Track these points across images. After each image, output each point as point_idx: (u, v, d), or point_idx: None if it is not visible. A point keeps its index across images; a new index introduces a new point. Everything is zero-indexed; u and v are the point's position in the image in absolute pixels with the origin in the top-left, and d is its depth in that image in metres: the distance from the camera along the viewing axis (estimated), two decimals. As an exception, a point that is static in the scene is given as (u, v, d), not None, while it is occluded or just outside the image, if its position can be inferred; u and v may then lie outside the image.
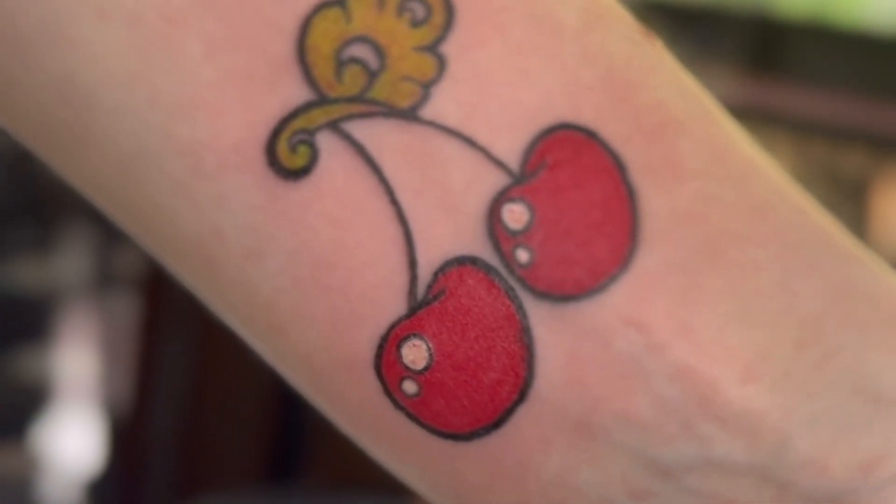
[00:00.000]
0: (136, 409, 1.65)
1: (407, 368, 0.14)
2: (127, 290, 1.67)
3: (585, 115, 0.14)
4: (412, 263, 0.14)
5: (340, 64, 0.14)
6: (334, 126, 0.14)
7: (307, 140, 0.14)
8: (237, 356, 1.34)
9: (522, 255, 0.14)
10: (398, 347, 0.14)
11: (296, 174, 0.14)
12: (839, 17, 1.40)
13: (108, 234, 1.56)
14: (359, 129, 0.14)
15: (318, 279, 0.14)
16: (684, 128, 0.14)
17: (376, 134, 0.14)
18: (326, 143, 0.14)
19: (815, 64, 1.48)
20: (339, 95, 0.14)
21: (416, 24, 0.14)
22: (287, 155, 0.14)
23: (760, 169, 0.15)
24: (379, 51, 0.14)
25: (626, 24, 0.15)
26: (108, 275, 1.57)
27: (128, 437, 1.67)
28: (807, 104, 1.49)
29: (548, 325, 0.14)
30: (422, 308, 0.14)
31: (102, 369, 1.63)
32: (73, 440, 1.78)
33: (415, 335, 0.14)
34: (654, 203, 0.14)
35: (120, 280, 1.63)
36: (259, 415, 1.63)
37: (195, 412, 1.64)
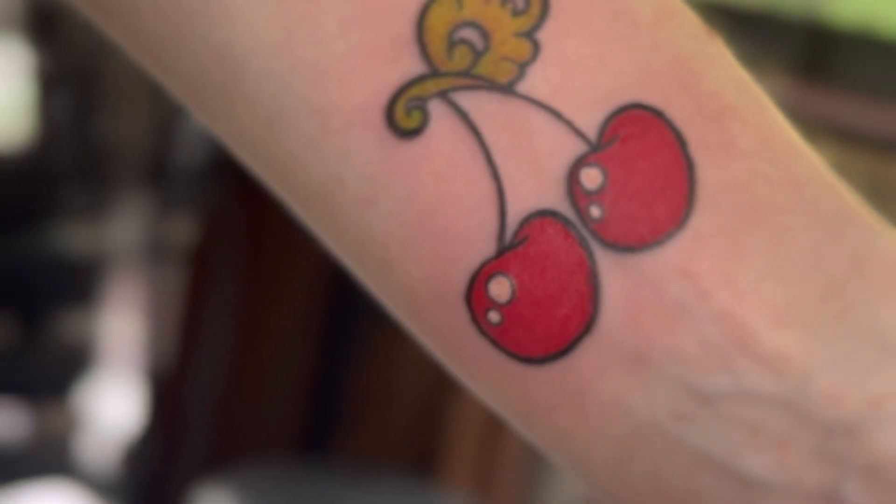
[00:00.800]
0: (177, 374, 1.68)
1: (492, 301, 0.17)
2: (175, 259, 1.70)
3: (654, 97, 0.17)
4: (502, 213, 0.17)
5: (451, 44, 0.17)
6: (444, 95, 0.17)
7: (420, 106, 0.17)
8: (278, 328, 1.39)
9: (595, 211, 0.16)
10: (486, 283, 0.17)
11: (409, 134, 0.17)
12: (890, 27, 1.40)
13: (161, 205, 1.59)
14: (464, 99, 0.17)
15: (423, 223, 0.17)
16: (737, 113, 0.17)
17: (478, 104, 0.17)
18: (436, 109, 0.17)
19: (865, 73, 1.49)
20: (449, 70, 0.17)
21: (516, 13, 0.17)
22: (403, 117, 0.17)
23: (800, 151, 0.17)
24: (484, 34, 0.17)
25: (693, 23, 0.18)
26: (158, 243, 1.60)
27: (168, 401, 1.70)
28: (855, 113, 1.50)
29: (613, 272, 0.16)
30: (508, 251, 0.17)
31: (147, 334, 1.66)
32: (115, 402, 1.82)
33: (501, 273, 0.17)
34: (709, 174, 0.16)
35: (168, 249, 1.66)
36: (296, 387, 1.66)
37: (234, 381, 1.66)
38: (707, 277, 0.16)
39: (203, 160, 1.51)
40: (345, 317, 1.65)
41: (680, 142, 0.17)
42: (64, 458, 1.81)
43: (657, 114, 0.17)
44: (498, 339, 0.17)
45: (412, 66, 0.17)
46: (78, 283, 1.78)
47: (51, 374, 1.81)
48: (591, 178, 0.16)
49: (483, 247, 0.17)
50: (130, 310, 1.80)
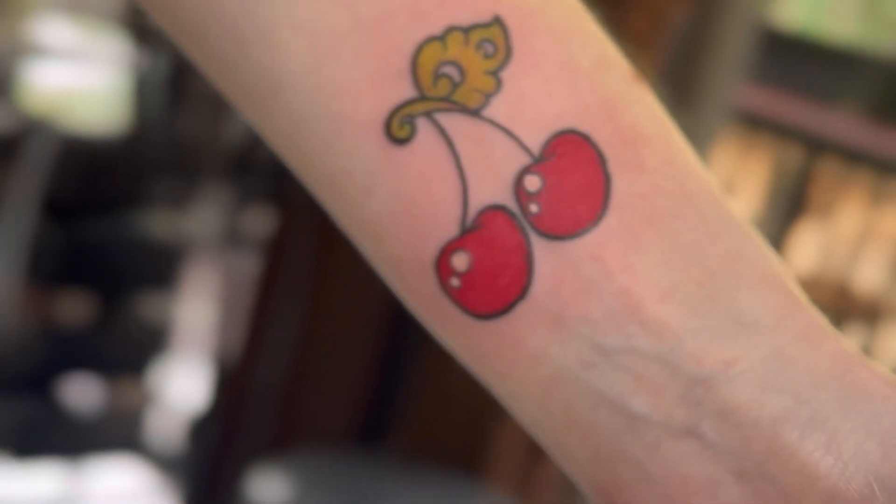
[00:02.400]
0: (243, 360, 1.74)
1: (454, 270, 0.22)
2: (249, 249, 1.77)
3: (585, 125, 0.22)
4: (465, 205, 0.22)
5: (436, 76, 0.22)
6: (428, 115, 0.22)
7: (410, 121, 0.22)
8: (342, 323, 1.46)
9: (533, 208, 0.22)
10: (450, 256, 0.22)
11: (401, 142, 0.22)
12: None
13: (239, 197, 1.66)
14: (443, 118, 0.22)
15: (407, 209, 0.22)
16: (648, 141, 0.22)
17: (453, 122, 0.22)
18: (422, 124, 0.22)
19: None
20: (433, 96, 0.22)
21: (486, 56, 0.22)
22: (397, 129, 0.22)
23: (695, 171, 0.22)
24: (461, 71, 0.22)
25: (623, 70, 0.23)
26: (235, 233, 1.67)
27: (233, 385, 1.76)
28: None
29: (543, 254, 0.22)
30: (467, 233, 0.22)
31: (218, 320, 1.73)
32: (184, 382, 1.89)
33: (461, 249, 0.22)
34: (621, 186, 0.22)
35: (244, 239, 1.73)
36: (355, 381, 1.71)
37: (297, 370, 1.72)
38: (612, 262, 0.22)
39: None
40: (408, 317, 1.70)
41: (601, 160, 0.22)
42: (133, 434, 1.88)
43: (585, 138, 0.22)
44: (457, 299, 0.22)
45: (406, 91, 0.22)
46: (157, 268, 1.86)
47: (126, 353, 1.89)
48: (532, 182, 0.22)
49: (449, 229, 0.22)
50: (205, 295, 1.87)
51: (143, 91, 1.62)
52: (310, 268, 1.67)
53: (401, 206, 0.22)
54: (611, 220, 0.22)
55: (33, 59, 1.74)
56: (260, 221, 1.76)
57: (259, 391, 1.72)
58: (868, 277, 2.44)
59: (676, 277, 0.22)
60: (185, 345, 1.90)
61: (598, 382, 0.22)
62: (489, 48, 0.22)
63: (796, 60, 2.61)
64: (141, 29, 1.56)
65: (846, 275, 2.48)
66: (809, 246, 2.56)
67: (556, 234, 0.22)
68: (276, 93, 0.23)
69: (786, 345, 0.21)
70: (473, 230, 0.22)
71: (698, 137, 1.57)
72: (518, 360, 0.22)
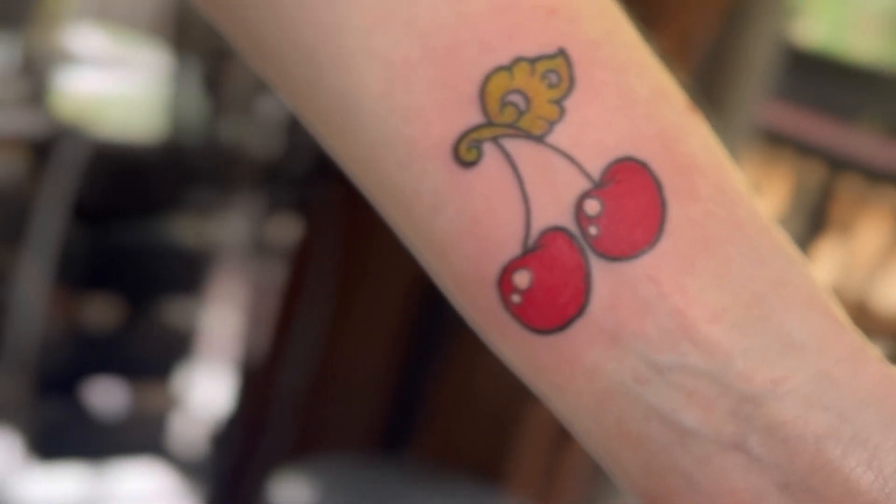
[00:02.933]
0: (267, 366, 1.76)
1: (515, 287, 0.24)
2: (275, 257, 1.79)
3: (643, 154, 0.23)
4: (527, 226, 0.23)
5: (503, 104, 0.24)
6: (495, 140, 0.24)
7: (477, 146, 0.24)
8: (366, 331, 1.47)
9: (593, 230, 0.23)
10: (512, 274, 0.24)
11: (468, 165, 0.24)
12: None
13: (266, 206, 1.68)
14: (508, 144, 0.23)
15: (472, 229, 0.24)
16: (701, 170, 0.23)
17: (518, 148, 0.23)
18: (489, 149, 0.24)
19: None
20: (500, 122, 0.24)
21: (551, 86, 0.24)
22: (465, 152, 0.24)
23: (745, 199, 0.24)
24: (527, 99, 0.24)
25: (679, 100, 0.24)
26: (261, 242, 1.68)
27: (256, 391, 1.78)
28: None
29: (601, 274, 0.23)
30: (529, 252, 0.23)
31: (243, 327, 1.74)
32: (208, 388, 1.91)
33: (523, 268, 0.23)
34: (675, 212, 0.23)
35: (270, 248, 1.74)
36: (377, 388, 1.72)
37: (320, 377, 1.73)
38: (667, 284, 0.23)
39: (308, 166, 1.59)
40: (430, 326, 1.71)
41: (658, 186, 0.23)
42: (157, 437, 1.90)
43: (643, 165, 0.23)
44: (517, 314, 0.24)
45: (474, 117, 0.24)
46: (185, 274, 1.88)
47: (151, 357, 1.90)
48: (591, 206, 0.23)
49: (512, 248, 0.23)
50: (230, 302, 1.89)
51: (174, 99, 1.64)
52: (333, 276, 1.69)
53: (466, 226, 0.24)
54: (666, 244, 0.23)
55: (66, 67, 1.76)
56: (286, 230, 1.78)
57: (282, 397, 1.74)
58: (889, 295, 2.44)
59: (727, 300, 0.23)
60: (210, 350, 1.91)
61: (651, 397, 0.23)
62: (553, 78, 0.24)
63: (819, 78, 2.62)
64: (179, 35, 1.58)
65: (867, 292, 2.48)
66: (830, 263, 2.56)
67: (613, 256, 0.23)
68: (351, 116, 0.24)
69: (831, 366, 0.22)
70: (535, 250, 0.23)
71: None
72: (575, 374, 0.24)
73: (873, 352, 0.23)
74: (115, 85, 1.85)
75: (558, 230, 0.23)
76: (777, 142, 2.70)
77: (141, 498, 1.84)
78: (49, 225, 1.67)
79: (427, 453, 1.60)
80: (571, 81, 0.23)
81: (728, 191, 0.24)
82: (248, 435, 1.75)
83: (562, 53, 0.24)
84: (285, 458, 1.64)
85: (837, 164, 2.67)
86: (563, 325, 0.23)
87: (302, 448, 1.68)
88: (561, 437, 1.51)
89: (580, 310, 0.23)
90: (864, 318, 2.44)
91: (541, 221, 0.23)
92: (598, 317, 0.23)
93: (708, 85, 1.50)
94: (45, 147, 1.70)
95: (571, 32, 0.24)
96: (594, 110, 0.23)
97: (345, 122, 0.25)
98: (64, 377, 1.81)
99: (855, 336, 0.23)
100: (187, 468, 1.86)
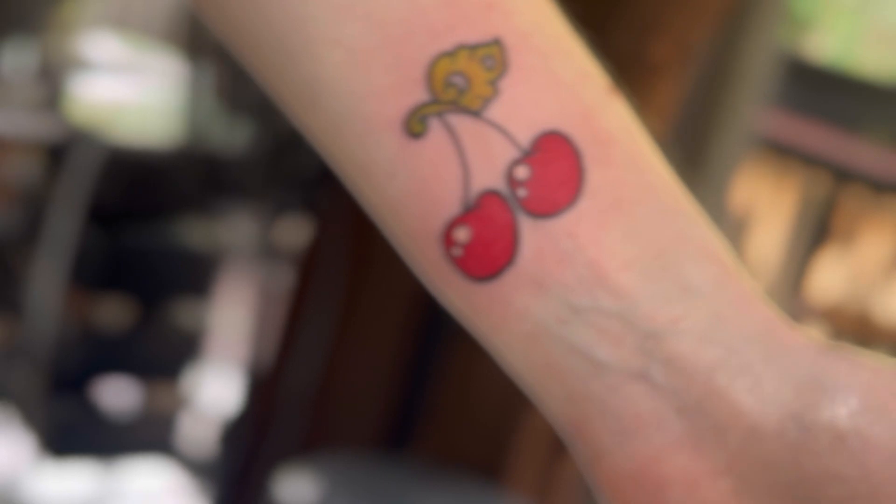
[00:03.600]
0: (274, 367, 1.79)
1: (456, 241, 0.27)
2: (282, 260, 1.82)
3: (566, 127, 0.27)
4: (466, 188, 0.27)
5: (447, 84, 0.27)
6: (439, 115, 0.27)
7: (424, 120, 0.27)
8: (371, 333, 1.50)
9: (522, 192, 0.27)
10: (453, 230, 0.27)
11: (416, 136, 0.27)
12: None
13: (274, 210, 1.71)
14: (451, 118, 0.27)
15: (420, 191, 0.27)
16: (617, 142, 0.27)
17: (459, 122, 0.27)
18: (434, 123, 0.27)
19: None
20: (444, 99, 0.27)
21: (488, 69, 0.27)
22: (414, 125, 0.27)
23: (655, 166, 0.27)
24: (467, 80, 0.27)
25: (601, 83, 0.28)
26: (269, 245, 1.72)
27: (264, 391, 1.80)
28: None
29: (528, 230, 0.27)
30: (468, 211, 0.27)
31: (251, 328, 1.77)
32: (217, 387, 1.94)
33: (463, 225, 0.27)
34: (593, 177, 0.27)
35: (278, 251, 1.78)
36: (382, 389, 1.75)
37: (326, 377, 1.76)
38: (584, 238, 0.26)
39: (314, 169, 1.62)
40: (433, 330, 1.74)
41: (578, 155, 0.27)
42: (166, 436, 1.94)
43: (566, 137, 0.27)
44: (458, 265, 0.27)
45: (422, 95, 0.27)
46: (195, 276, 1.91)
47: (161, 357, 1.94)
48: (521, 172, 0.27)
49: (453, 208, 0.27)
50: (239, 304, 1.93)
51: (188, 104, 1.68)
52: (340, 279, 1.72)
53: (415, 189, 0.27)
54: (584, 204, 0.27)
55: (81, 73, 1.81)
56: (293, 233, 1.82)
57: (289, 398, 1.76)
58: (892, 305, 2.46)
59: (635, 252, 0.26)
60: (219, 351, 1.95)
61: (570, 336, 0.27)
62: (490, 62, 0.27)
63: (825, 90, 2.65)
64: (187, 45, 1.62)
65: (870, 303, 2.50)
66: (834, 274, 2.59)
67: (539, 214, 0.27)
68: (317, 97, 0.28)
69: (722, 308, 0.26)
70: (473, 209, 0.27)
71: (721, 162, 1.61)
72: (506, 316, 0.27)
73: (761, 296, 0.27)
74: (129, 91, 1.90)
75: (492, 192, 0.27)
76: (783, 153, 2.73)
77: (151, 496, 1.87)
78: (64, 227, 1.71)
79: (429, 453, 1.63)
80: (505, 65, 0.27)
81: (640, 159, 0.27)
82: (256, 434, 1.77)
83: (497, 42, 0.27)
84: (292, 457, 1.67)
85: (842, 176, 2.70)
86: (496, 273, 0.27)
87: (308, 447, 1.71)
88: (559, 437, 1.54)
89: (510, 260, 0.27)
90: (868, 327, 2.46)
91: (478, 185, 0.27)
92: (526, 267, 0.27)
93: (707, 94, 1.53)
94: (60, 150, 1.74)
95: (506, 24, 0.27)
96: (524, 90, 0.27)
97: (312, 102, 0.28)
98: (76, 376, 1.85)
99: (745, 283, 0.27)
100: (196, 467, 1.90)
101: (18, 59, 1.75)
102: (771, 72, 1.55)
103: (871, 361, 0.25)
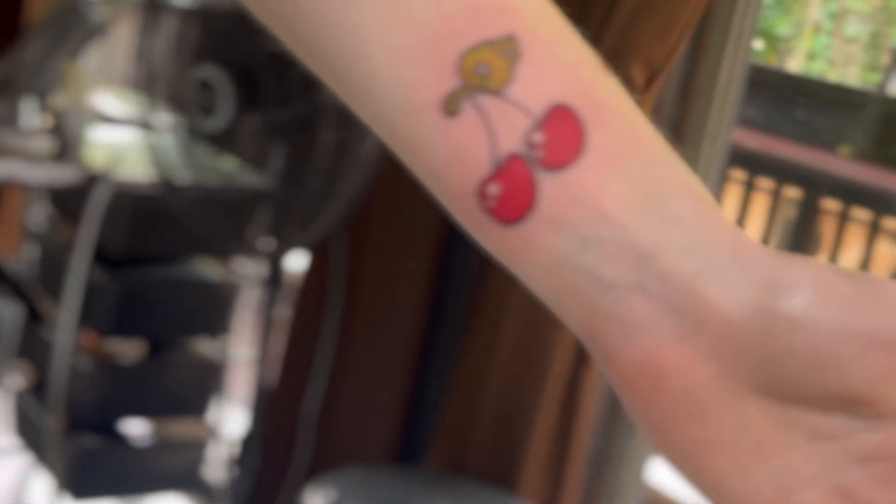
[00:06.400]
0: (286, 396, 1.82)
1: (488, 195, 0.34)
2: (290, 293, 1.87)
3: (569, 100, 0.34)
4: (494, 152, 0.34)
5: (473, 72, 0.34)
6: (469, 96, 0.34)
7: (457, 101, 0.34)
8: (374, 354, 1.56)
9: (538, 153, 0.34)
10: (486, 186, 0.34)
11: (452, 114, 0.34)
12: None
13: (280, 246, 1.77)
14: (479, 98, 0.34)
15: (457, 157, 0.34)
16: (612, 108, 0.34)
17: (485, 101, 0.34)
18: (465, 103, 0.34)
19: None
20: (472, 84, 0.34)
21: (505, 57, 0.35)
22: (450, 106, 0.34)
23: (645, 128, 0.34)
24: (489, 68, 0.35)
25: (595, 63, 0.35)
26: (277, 279, 1.76)
27: (276, 419, 1.83)
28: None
29: (545, 181, 0.33)
30: (496, 171, 0.34)
31: (262, 359, 1.81)
32: (231, 417, 1.98)
33: (493, 181, 0.34)
34: (593, 138, 0.34)
35: (285, 285, 1.82)
36: (389, 407, 1.78)
37: (337, 401, 1.80)
38: (589, 184, 0.33)
39: (315, 207, 1.68)
40: (435, 348, 1.78)
41: (580, 121, 0.34)
42: (184, 468, 1.97)
43: (570, 108, 0.34)
44: (491, 213, 0.34)
45: (455, 82, 0.34)
46: (208, 310, 1.95)
47: (190, 392, 1.97)
48: (536, 137, 0.34)
49: (485, 167, 0.33)
50: (250, 336, 1.97)
51: (183, 150, 1.74)
52: (342, 305, 1.75)
53: (453, 156, 0.34)
54: (587, 159, 0.34)
55: (91, 124, 1.88)
56: (298, 267, 1.86)
57: (303, 424, 1.80)
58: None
59: (629, 192, 0.33)
60: (232, 380, 1.98)
61: (582, 261, 0.33)
62: (507, 52, 0.34)
63: (798, 104, 2.72)
64: (163, 95, 1.68)
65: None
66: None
67: (553, 168, 0.34)
68: (370, 89, 0.35)
69: (700, 232, 0.33)
70: (500, 169, 0.34)
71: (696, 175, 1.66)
72: (532, 251, 0.34)
73: (730, 221, 0.34)
74: (133, 138, 1.97)
75: (515, 155, 0.34)
76: (757, 166, 2.81)
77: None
78: (82, 268, 1.76)
79: (440, 464, 1.64)
80: (519, 54, 0.34)
81: (629, 121, 0.34)
82: (271, 460, 1.80)
83: (511, 37, 0.34)
84: (306, 477, 1.70)
85: (814, 188, 2.77)
86: (522, 218, 0.34)
87: (323, 464, 1.74)
88: (563, 446, 1.57)
89: (532, 207, 0.33)
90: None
91: (503, 149, 0.34)
92: (545, 210, 0.34)
93: (680, 110, 1.59)
94: (74, 196, 1.80)
95: (517, 22, 0.35)
96: (535, 72, 0.34)
97: (366, 94, 0.35)
98: (96, 413, 1.89)
99: (717, 211, 0.34)
100: (212, 497, 1.93)
101: (32, 114, 1.84)
102: (741, 88, 1.61)
103: (820, 262, 0.33)
